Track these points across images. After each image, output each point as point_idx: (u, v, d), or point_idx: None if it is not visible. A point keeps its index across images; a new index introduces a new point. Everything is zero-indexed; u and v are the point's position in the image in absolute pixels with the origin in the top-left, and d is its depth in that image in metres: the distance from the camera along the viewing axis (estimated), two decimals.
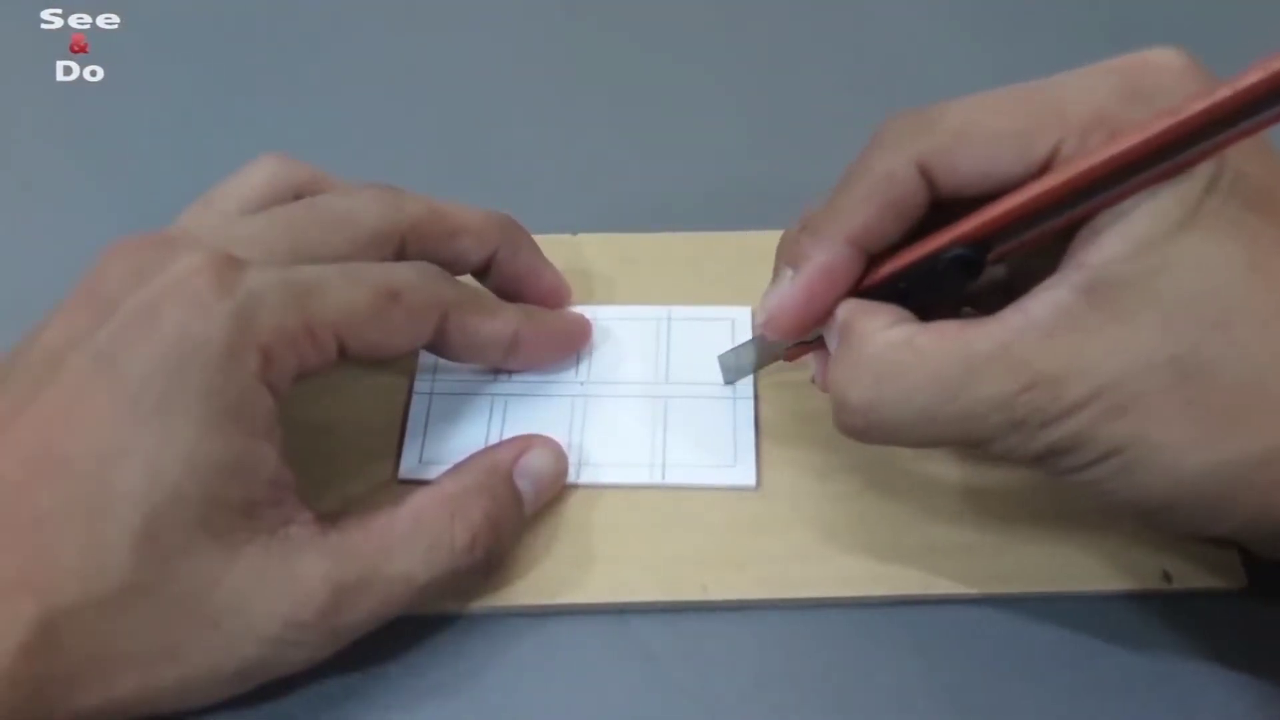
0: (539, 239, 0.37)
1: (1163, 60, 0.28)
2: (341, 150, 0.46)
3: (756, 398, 0.36)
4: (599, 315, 0.38)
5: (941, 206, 0.29)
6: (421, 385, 0.37)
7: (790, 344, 0.33)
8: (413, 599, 0.30)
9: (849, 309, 0.30)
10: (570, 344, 0.37)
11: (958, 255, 0.29)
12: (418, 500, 0.31)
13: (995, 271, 0.32)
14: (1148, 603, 0.32)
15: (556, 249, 0.39)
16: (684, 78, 0.48)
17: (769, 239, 0.33)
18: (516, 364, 0.36)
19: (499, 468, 0.33)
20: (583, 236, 0.40)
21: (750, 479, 0.34)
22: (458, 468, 0.33)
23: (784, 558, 0.33)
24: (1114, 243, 0.26)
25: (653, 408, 0.36)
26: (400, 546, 0.30)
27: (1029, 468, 0.28)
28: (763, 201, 0.41)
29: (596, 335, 0.38)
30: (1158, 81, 0.27)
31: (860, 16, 0.49)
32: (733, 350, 0.35)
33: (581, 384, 0.37)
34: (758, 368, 0.35)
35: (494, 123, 0.47)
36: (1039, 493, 0.34)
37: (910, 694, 0.31)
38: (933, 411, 0.28)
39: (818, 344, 0.32)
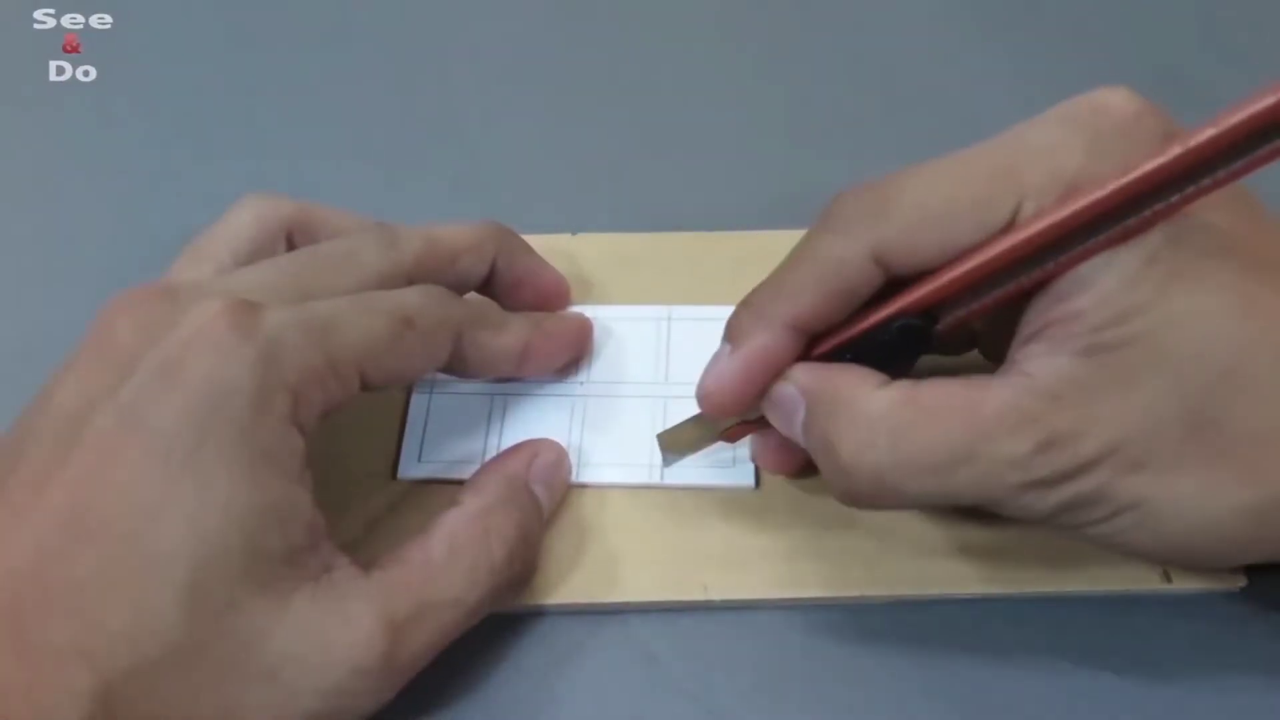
0: (539, 239, 0.37)
1: (1114, 104, 0.27)
2: (337, 150, 0.46)
3: None
4: (599, 315, 0.38)
5: (899, 282, 0.29)
6: (421, 385, 0.37)
7: (730, 423, 0.33)
8: (463, 623, 0.30)
9: (811, 376, 0.29)
10: (577, 347, 0.37)
11: (905, 325, 0.28)
12: (449, 524, 0.31)
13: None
14: (1147, 603, 0.32)
15: (556, 249, 0.39)
16: (684, 78, 0.48)
17: (769, 239, 0.33)
18: (527, 372, 0.35)
19: (517, 478, 0.33)
20: (582, 236, 0.40)
21: (749, 479, 0.34)
22: (475, 484, 0.33)
23: (784, 557, 0.33)
24: (1099, 304, 0.26)
25: (652, 408, 0.36)
26: (443, 573, 0.30)
27: (1043, 526, 0.28)
28: (763, 201, 0.41)
29: (597, 335, 0.38)
30: (1112, 128, 0.27)
31: (861, 16, 0.49)
32: (670, 430, 0.34)
33: (581, 384, 0.37)
34: (698, 448, 0.34)
35: (494, 123, 0.47)
36: None
37: (908, 694, 0.31)
38: (948, 472, 0.27)
39: (760, 422, 0.32)
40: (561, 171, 0.45)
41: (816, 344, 0.30)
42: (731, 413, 0.31)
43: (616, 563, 0.33)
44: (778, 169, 0.44)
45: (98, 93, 0.49)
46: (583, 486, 0.35)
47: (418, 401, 0.36)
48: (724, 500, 0.34)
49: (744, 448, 0.35)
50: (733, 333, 0.30)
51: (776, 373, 0.30)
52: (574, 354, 0.37)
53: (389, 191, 0.44)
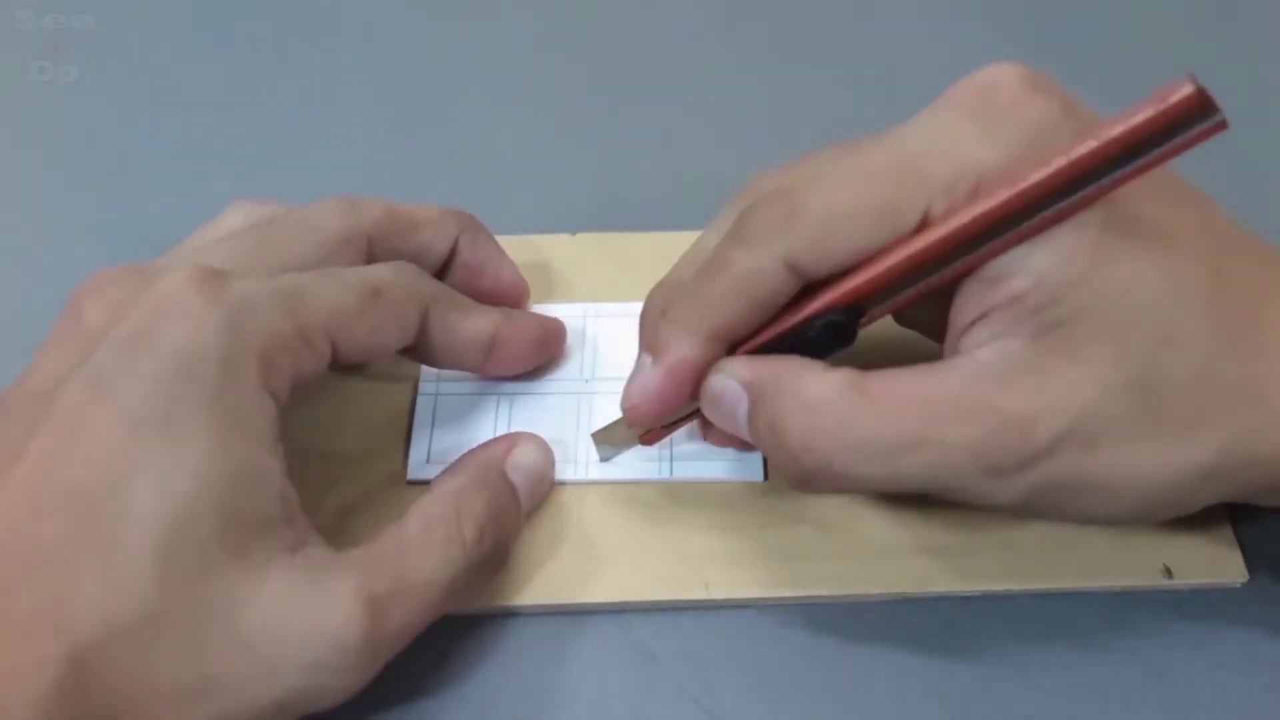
0: (538, 239, 0.37)
1: (1002, 80, 0.28)
2: (326, 151, 0.46)
3: None
4: (600, 313, 0.38)
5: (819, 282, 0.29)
6: (426, 386, 0.37)
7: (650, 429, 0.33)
8: (440, 602, 0.30)
9: (753, 368, 0.29)
10: (547, 346, 0.37)
11: (829, 322, 0.29)
12: (422, 504, 0.31)
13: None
14: (1147, 598, 0.33)
15: (556, 249, 0.39)
16: (684, 77, 0.48)
17: None
18: (495, 366, 0.35)
19: (492, 462, 0.33)
20: (582, 236, 0.40)
21: (758, 472, 0.34)
22: (452, 467, 0.33)
23: (786, 556, 0.33)
24: (1036, 285, 0.26)
25: None
26: (417, 551, 0.30)
27: (1006, 513, 0.29)
28: None
29: (601, 334, 0.38)
30: (1005, 107, 0.27)
31: (859, 15, 0.50)
32: (603, 429, 0.34)
33: (585, 381, 0.37)
34: (628, 446, 0.34)
35: (494, 122, 0.46)
36: None
37: (910, 692, 0.31)
38: (899, 457, 0.27)
39: (680, 423, 0.33)
40: (562, 171, 0.44)
41: (739, 344, 0.30)
42: (655, 423, 0.32)
43: (620, 562, 0.33)
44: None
45: (81, 93, 0.48)
46: (588, 484, 0.35)
47: (424, 402, 0.36)
48: (728, 499, 0.34)
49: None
50: (653, 345, 0.30)
51: (698, 380, 0.30)
52: (543, 354, 0.37)
53: (382, 192, 0.44)
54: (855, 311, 0.29)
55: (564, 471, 0.35)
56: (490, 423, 0.35)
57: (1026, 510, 0.28)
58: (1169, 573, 0.32)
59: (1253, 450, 0.27)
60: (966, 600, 0.33)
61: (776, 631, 0.32)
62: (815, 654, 0.32)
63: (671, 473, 0.34)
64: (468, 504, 0.31)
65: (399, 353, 0.33)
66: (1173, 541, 0.33)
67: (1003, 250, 0.27)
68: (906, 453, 0.27)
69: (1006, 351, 0.27)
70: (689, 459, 0.35)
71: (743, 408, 0.29)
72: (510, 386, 0.36)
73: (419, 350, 0.33)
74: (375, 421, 0.36)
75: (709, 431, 0.34)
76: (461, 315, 0.34)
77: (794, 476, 0.29)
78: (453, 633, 0.32)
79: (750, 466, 0.34)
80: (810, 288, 0.29)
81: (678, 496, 0.34)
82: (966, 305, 0.28)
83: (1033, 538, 0.33)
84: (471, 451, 0.34)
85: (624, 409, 0.31)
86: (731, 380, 0.30)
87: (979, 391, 0.27)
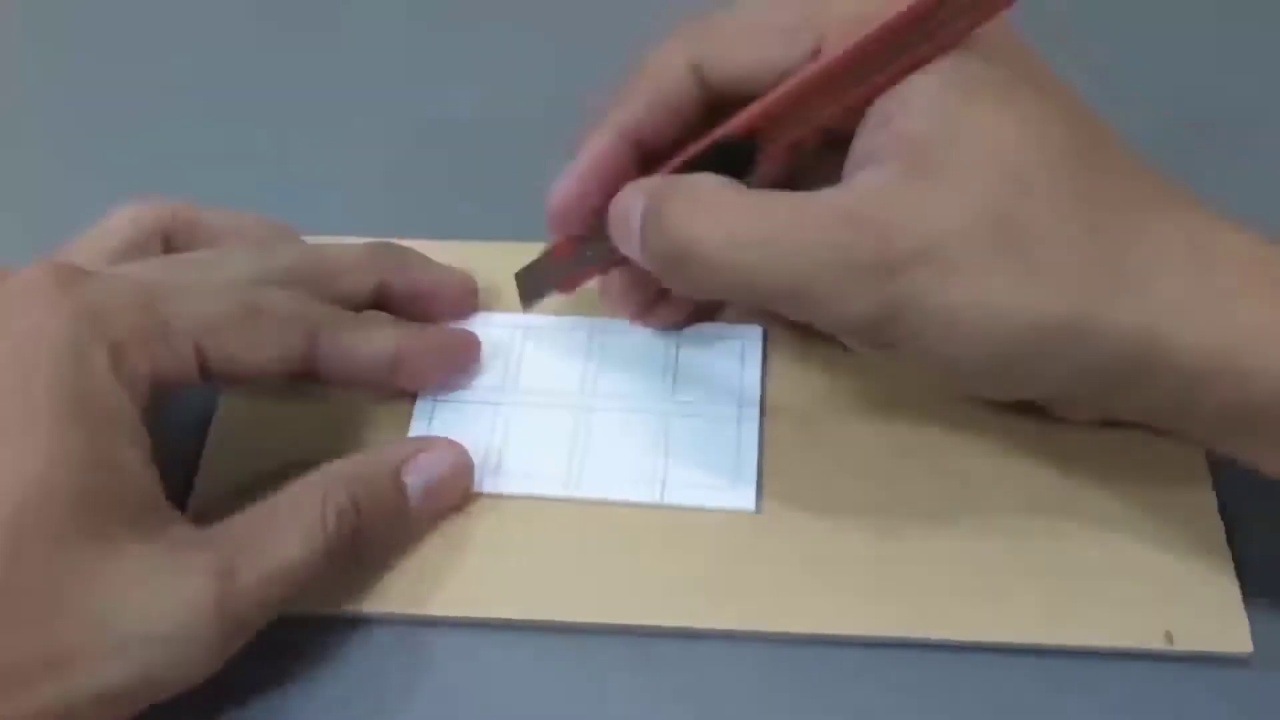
0: (538, 245, 0.37)
1: None
2: (330, 151, 0.46)
3: (763, 418, 0.36)
4: (607, 329, 0.38)
5: (724, 108, 0.31)
6: (425, 393, 0.36)
7: (572, 268, 0.35)
8: (294, 580, 0.30)
9: (653, 180, 0.31)
10: (456, 358, 0.36)
11: (725, 145, 0.30)
12: (295, 484, 0.31)
13: (776, 174, 0.33)
14: (1143, 667, 0.31)
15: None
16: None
17: None
18: (404, 383, 0.35)
19: (383, 460, 0.33)
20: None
21: (750, 503, 0.34)
22: (348, 456, 0.33)
23: (774, 590, 0.32)
24: (912, 118, 0.28)
25: (656, 424, 0.36)
26: (278, 528, 0.30)
27: (865, 343, 0.29)
28: None
29: (603, 349, 0.37)
30: None
31: None
32: (527, 266, 0.35)
33: (586, 397, 0.36)
34: (550, 288, 0.35)
35: (493, 123, 0.46)
36: (1038, 541, 0.33)
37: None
38: (767, 250, 0.28)
39: (592, 270, 0.35)
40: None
41: (652, 170, 0.32)
42: (572, 223, 0.33)
43: (605, 583, 0.33)
44: None
45: None
46: (580, 502, 0.34)
47: (421, 410, 0.36)
48: (720, 526, 0.34)
49: (746, 470, 0.34)
50: (577, 148, 0.33)
51: (613, 181, 0.32)
52: (455, 367, 0.36)
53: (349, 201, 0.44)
54: (752, 142, 0.30)
55: (556, 487, 0.34)
56: (486, 432, 0.35)
57: (878, 334, 0.29)
58: (1170, 638, 0.31)
59: (1112, 323, 0.28)
60: (956, 650, 0.32)
61: (758, 665, 0.32)
62: (791, 691, 0.31)
63: (662, 498, 0.34)
64: (334, 493, 0.31)
65: (303, 378, 0.33)
66: (1178, 606, 0.32)
67: (886, 86, 0.29)
68: (776, 246, 0.28)
69: (880, 177, 0.28)
70: (681, 485, 0.34)
71: (638, 212, 0.30)
72: (510, 397, 0.36)
73: (319, 373, 0.33)
74: (373, 429, 0.36)
75: (608, 286, 0.36)
76: (358, 334, 0.34)
77: (668, 260, 0.30)
78: (445, 642, 0.32)
79: (743, 496, 0.34)
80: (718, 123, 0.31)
81: (672, 520, 0.34)
82: (856, 149, 0.30)
83: (1030, 591, 0.32)
84: (378, 446, 0.34)
85: (545, 212, 0.33)
86: (635, 192, 0.31)
87: (849, 204, 0.28)
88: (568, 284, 0.35)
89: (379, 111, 0.47)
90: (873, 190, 0.28)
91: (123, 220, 0.34)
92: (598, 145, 0.32)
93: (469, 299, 0.38)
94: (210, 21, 0.51)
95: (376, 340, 0.34)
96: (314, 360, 0.33)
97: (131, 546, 0.28)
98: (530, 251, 0.37)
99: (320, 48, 0.50)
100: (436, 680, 0.32)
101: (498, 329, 0.38)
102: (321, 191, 0.44)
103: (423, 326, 0.36)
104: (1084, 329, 0.28)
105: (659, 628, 0.32)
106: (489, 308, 0.38)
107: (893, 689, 0.31)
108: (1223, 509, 0.33)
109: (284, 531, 0.30)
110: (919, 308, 0.28)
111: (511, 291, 0.38)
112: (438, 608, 0.32)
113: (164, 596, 0.27)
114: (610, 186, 0.32)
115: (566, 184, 0.33)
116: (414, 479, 0.33)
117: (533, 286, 0.35)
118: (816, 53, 0.30)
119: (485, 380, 0.37)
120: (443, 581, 0.33)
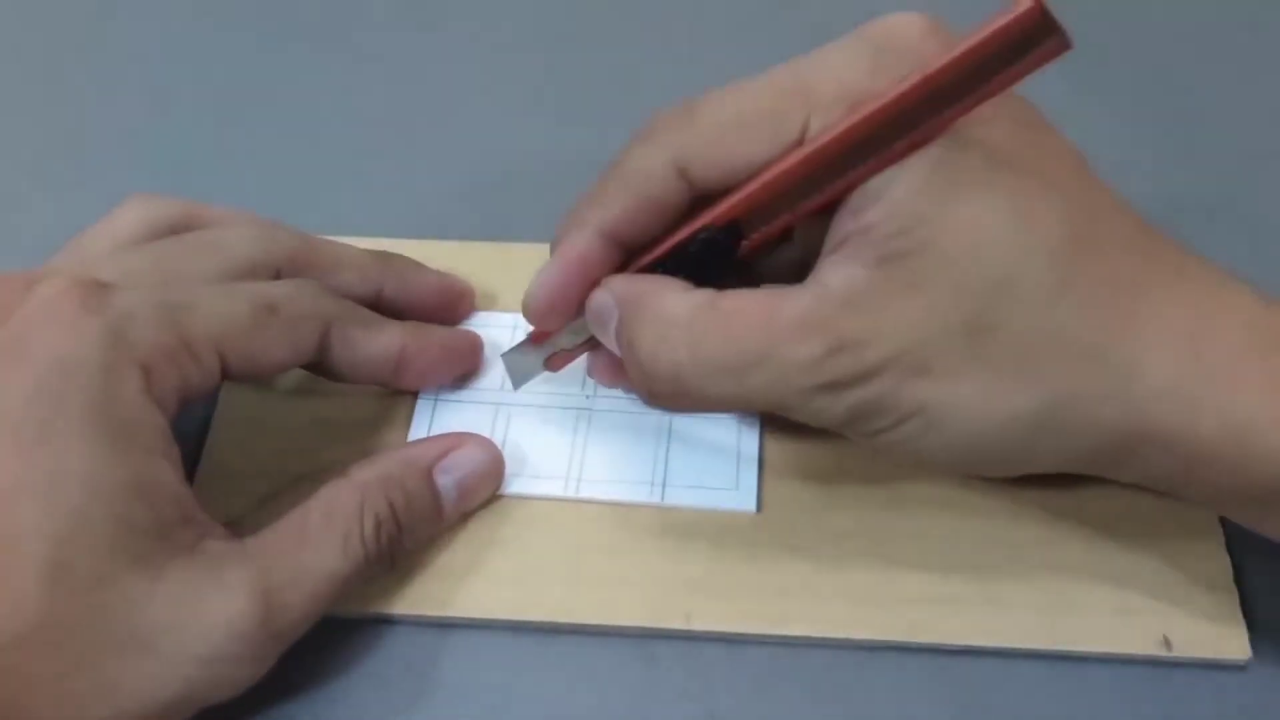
0: (542, 246, 0.37)
1: (904, 26, 0.29)
2: (328, 153, 0.46)
3: (763, 421, 0.36)
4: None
5: (710, 199, 0.30)
6: (426, 393, 0.36)
7: (556, 348, 0.34)
8: (338, 591, 0.30)
9: (625, 284, 0.31)
10: (460, 359, 0.37)
11: (707, 237, 0.30)
12: (328, 491, 0.31)
13: (790, 251, 0.32)
14: (1141, 672, 0.31)
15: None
16: (684, 78, 0.47)
17: None
18: (407, 382, 0.35)
19: (415, 461, 0.33)
20: None
21: (750, 504, 0.34)
22: (373, 458, 0.32)
23: (772, 592, 0.32)
24: (888, 216, 0.27)
25: (657, 425, 0.36)
26: (317, 540, 0.30)
27: (838, 431, 0.29)
28: None
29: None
30: (899, 47, 0.28)
31: (856, 13, 0.49)
32: (513, 349, 0.35)
33: (588, 396, 0.36)
34: (535, 371, 0.35)
35: (493, 122, 0.46)
36: (1037, 546, 0.33)
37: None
38: (742, 374, 0.28)
39: (580, 349, 0.33)
40: (563, 172, 0.44)
41: (634, 261, 0.31)
42: (549, 322, 0.33)
43: (605, 583, 0.33)
44: None
45: None
46: (579, 502, 0.34)
47: (422, 409, 0.36)
48: (719, 528, 0.34)
49: (746, 472, 0.34)
50: (554, 244, 0.31)
51: (592, 280, 0.31)
52: (458, 367, 0.36)
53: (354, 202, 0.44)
54: (734, 231, 0.30)
55: (556, 488, 0.34)
56: (486, 433, 0.35)
57: (856, 431, 0.29)
58: (1168, 644, 0.31)
59: (1094, 414, 0.27)
60: (953, 654, 0.32)
61: (756, 665, 0.32)
62: (789, 695, 0.31)
63: (663, 498, 0.34)
64: (373, 498, 0.31)
65: (307, 370, 0.33)
66: (1176, 612, 0.32)
67: (867, 175, 0.27)
68: (751, 371, 0.28)
69: (852, 277, 0.28)
70: (681, 486, 0.34)
71: (614, 321, 0.30)
72: (511, 396, 0.36)
73: (324, 367, 0.33)
74: (374, 428, 0.36)
75: (595, 364, 0.35)
76: (366, 332, 0.34)
77: (645, 390, 0.30)
78: (440, 642, 0.32)
79: (744, 498, 0.34)
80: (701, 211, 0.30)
81: (672, 520, 0.34)
82: (832, 236, 0.29)
83: (1027, 596, 0.32)
84: (405, 445, 0.34)
85: (523, 305, 0.32)
86: (607, 294, 0.31)
87: (820, 312, 0.28)
88: (556, 363, 0.34)
89: (379, 113, 0.47)
90: (843, 294, 0.27)
91: (133, 213, 0.34)
92: (576, 245, 0.31)
93: (466, 305, 0.38)
94: (211, 22, 0.51)
95: (382, 338, 0.34)
96: (323, 354, 0.33)
97: (172, 569, 0.27)
98: (529, 251, 0.37)
99: (320, 48, 0.50)
100: (436, 680, 0.32)
101: (497, 329, 0.38)
102: (322, 192, 0.44)
103: (427, 327, 0.36)
104: (1062, 421, 0.28)
105: (659, 628, 0.32)
106: (489, 308, 0.38)
107: (892, 691, 0.31)
108: (1222, 515, 0.33)
109: (323, 543, 0.30)
110: (893, 408, 0.28)
111: (511, 292, 0.38)
112: (437, 608, 0.32)
113: (206, 618, 0.27)
114: (590, 284, 0.31)
115: (545, 283, 0.31)
116: (447, 478, 0.33)
117: (520, 368, 0.35)
118: (801, 139, 0.29)
119: (485, 381, 0.37)
120: (442, 582, 0.33)
